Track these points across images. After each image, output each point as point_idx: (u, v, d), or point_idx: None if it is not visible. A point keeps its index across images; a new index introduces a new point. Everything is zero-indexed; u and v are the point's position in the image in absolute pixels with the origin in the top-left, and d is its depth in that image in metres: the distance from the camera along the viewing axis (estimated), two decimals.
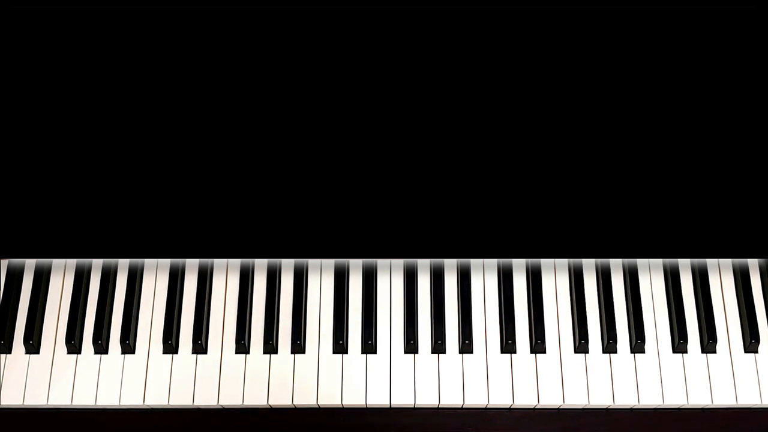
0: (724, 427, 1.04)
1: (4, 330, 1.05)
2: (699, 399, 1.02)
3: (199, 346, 1.04)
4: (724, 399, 1.02)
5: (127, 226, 0.98)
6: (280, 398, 1.02)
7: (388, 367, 1.03)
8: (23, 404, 1.03)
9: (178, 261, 1.09)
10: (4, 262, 1.09)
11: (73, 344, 1.04)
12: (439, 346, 1.03)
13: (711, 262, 1.09)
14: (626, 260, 1.08)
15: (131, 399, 1.02)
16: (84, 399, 1.02)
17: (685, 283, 1.08)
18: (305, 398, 1.02)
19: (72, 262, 1.10)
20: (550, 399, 1.02)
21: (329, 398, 1.02)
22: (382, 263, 1.09)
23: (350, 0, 0.92)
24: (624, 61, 0.94)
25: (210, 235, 0.98)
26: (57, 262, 1.10)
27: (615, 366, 1.03)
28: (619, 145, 0.96)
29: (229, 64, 0.94)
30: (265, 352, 1.04)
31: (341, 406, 1.03)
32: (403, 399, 1.02)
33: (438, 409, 1.04)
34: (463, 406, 1.03)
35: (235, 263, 1.09)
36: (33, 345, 1.04)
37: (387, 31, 0.93)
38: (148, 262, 1.09)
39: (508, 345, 1.04)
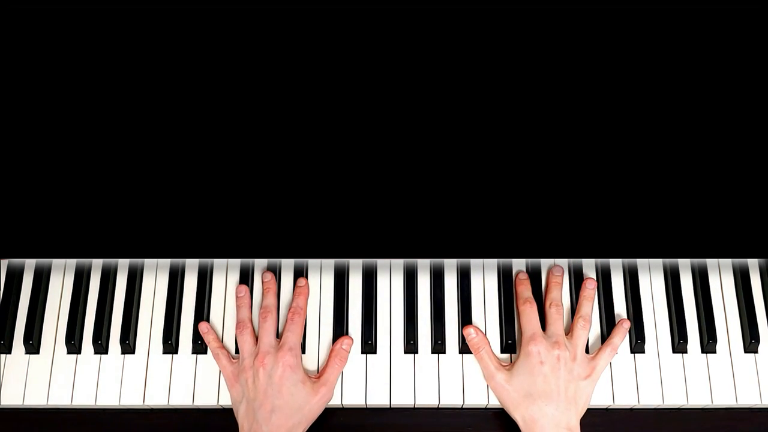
0: (724, 427, 1.04)
1: (4, 330, 1.05)
2: (699, 399, 1.02)
3: (199, 346, 1.04)
4: (724, 399, 1.02)
5: (127, 227, 0.97)
6: None
7: (388, 367, 1.03)
8: (23, 404, 1.03)
9: (178, 261, 1.09)
10: (4, 262, 1.09)
11: (73, 344, 1.04)
12: (439, 346, 1.03)
13: (711, 262, 1.09)
14: (626, 260, 1.08)
15: (131, 399, 1.02)
16: (84, 399, 1.03)
17: (685, 283, 1.08)
18: None
19: (72, 262, 1.10)
20: None
21: None
22: (382, 263, 1.09)
23: (350, 0, 0.92)
24: (624, 61, 0.94)
25: (210, 235, 0.98)
26: (57, 262, 1.10)
27: (615, 366, 1.03)
28: (619, 145, 0.96)
29: (228, 64, 0.94)
30: None
31: (341, 406, 1.03)
32: (403, 399, 1.02)
33: (438, 409, 1.04)
34: (463, 406, 1.03)
35: (235, 263, 1.09)
36: (33, 345, 1.04)
37: (387, 31, 0.93)
38: (148, 262, 1.09)
39: (508, 345, 1.04)
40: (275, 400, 0.96)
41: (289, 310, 1.04)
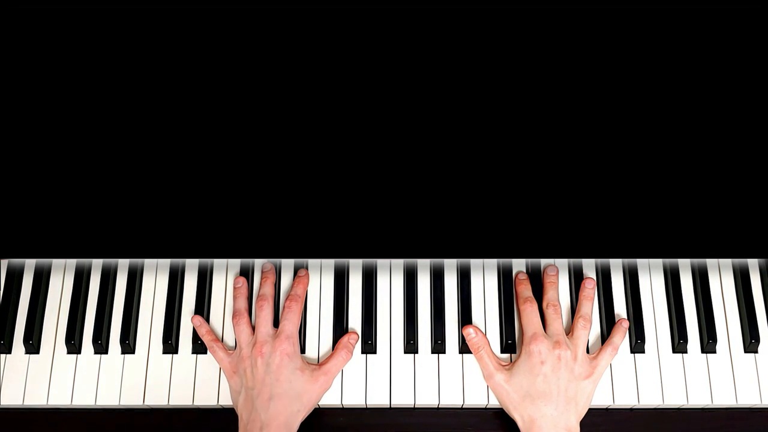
0: (724, 427, 1.04)
1: (4, 330, 1.05)
2: (699, 399, 1.02)
3: (199, 346, 1.04)
4: (724, 399, 1.02)
5: (127, 226, 0.97)
6: None
7: (388, 367, 1.03)
8: (23, 404, 1.03)
9: (178, 261, 1.09)
10: (4, 262, 1.09)
11: (73, 344, 1.04)
12: (439, 346, 1.03)
13: (711, 262, 1.09)
14: (626, 260, 1.08)
15: (131, 399, 1.02)
16: (84, 399, 1.02)
17: (685, 283, 1.08)
18: None
19: (72, 262, 1.10)
20: None
21: (330, 398, 1.02)
22: (382, 263, 1.09)
23: (350, 0, 0.92)
24: (624, 61, 0.94)
25: (210, 235, 0.98)
26: (57, 262, 1.10)
27: (615, 366, 1.03)
28: (619, 145, 0.96)
29: (228, 64, 0.94)
30: None
31: (341, 406, 1.03)
32: (403, 399, 1.02)
33: (438, 409, 1.04)
34: (463, 406, 1.03)
35: (235, 263, 1.09)
36: (33, 345, 1.04)
37: (387, 31, 0.93)
38: (148, 262, 1.09)
39: (508, 345, 1.04)
40: (273, 388, 0.96)
41: (287, 297, 1.04)
